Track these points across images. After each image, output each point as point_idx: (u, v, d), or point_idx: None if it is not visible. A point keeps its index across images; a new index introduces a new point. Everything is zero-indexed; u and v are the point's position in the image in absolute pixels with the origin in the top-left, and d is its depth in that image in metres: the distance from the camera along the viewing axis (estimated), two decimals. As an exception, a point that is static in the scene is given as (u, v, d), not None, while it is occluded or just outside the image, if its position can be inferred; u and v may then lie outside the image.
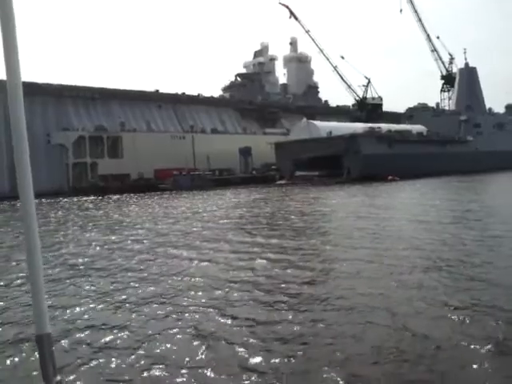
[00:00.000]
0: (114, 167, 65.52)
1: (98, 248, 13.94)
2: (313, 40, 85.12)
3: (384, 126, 71.28)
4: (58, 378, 1.28)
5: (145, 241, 14.99)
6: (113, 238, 16.38)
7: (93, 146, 65.98)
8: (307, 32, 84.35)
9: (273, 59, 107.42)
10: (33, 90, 62.57)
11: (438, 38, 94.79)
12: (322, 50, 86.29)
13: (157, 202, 38.09)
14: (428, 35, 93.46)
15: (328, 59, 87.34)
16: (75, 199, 50.51)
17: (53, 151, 64.19)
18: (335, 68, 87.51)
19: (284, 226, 17.43)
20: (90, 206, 37.77)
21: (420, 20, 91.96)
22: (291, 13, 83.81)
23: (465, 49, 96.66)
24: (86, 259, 12.01)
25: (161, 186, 59.22)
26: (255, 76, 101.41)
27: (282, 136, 79.87)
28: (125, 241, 15.17)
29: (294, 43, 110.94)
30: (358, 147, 58.97)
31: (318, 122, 69.11)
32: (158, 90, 79.28)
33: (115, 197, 50.81)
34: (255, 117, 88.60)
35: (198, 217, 22.43)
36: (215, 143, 74.03)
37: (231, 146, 73.37)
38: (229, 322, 6.43)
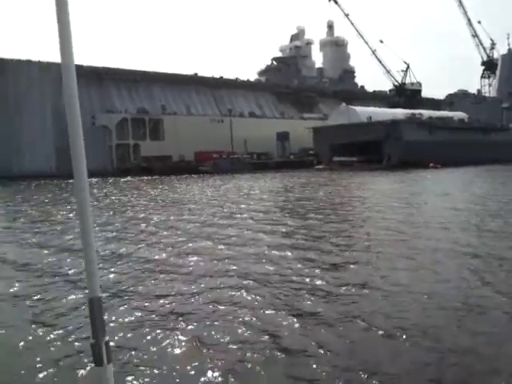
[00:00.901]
0: (155, 149, 66.98)
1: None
2: (352, 24, 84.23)
3: (425, 113, 70.41)
4: (107, 338, 1.43)
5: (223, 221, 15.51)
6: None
7: (135, 128, 67.58)
8: (346, 16, 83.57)
9: (309, 43, 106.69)
10: (78, 73, 64.05)
11: (479, 22, 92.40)
12: (360, 34, 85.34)
13: (206, 184, 38.86)
14: (469, 20, 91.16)
15: (367, 43, 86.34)
16: (123, 179, 51.91)
17: (97, 133, 66.02)
18: (374, 52, 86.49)
19: (341, 211, 17.91)
20: (141, 185, 38.87)
21: (461, 4, 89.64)
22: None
23: (508, 34, 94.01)
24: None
25: (201, 169, 60.33)
26: (291, 60, 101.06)
27: (319, 121, 79.79)
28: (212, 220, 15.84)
29: (330, 27, 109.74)
30: (399, 133, 58.52)
31: (357, 107, 68.72)
32: (196, 74, 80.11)
33: (160, 177, 52.10)
34: (292, 101, 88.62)
35: (255, 199, 23.03)
36: (253, 127, 74.54)
37: (268, 130, 73.78)
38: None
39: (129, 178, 54.58)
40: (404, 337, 5.05)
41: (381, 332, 5.21)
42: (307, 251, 9.41)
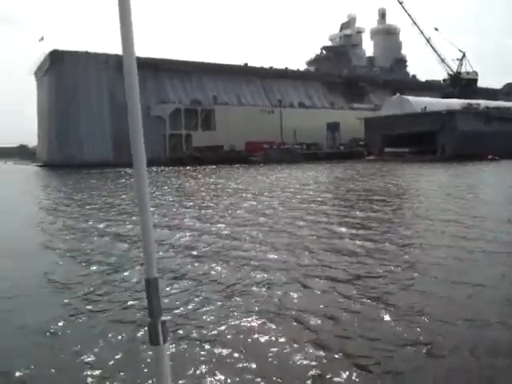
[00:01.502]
0: (206, 139, 68.32)
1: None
2: (406, 11, 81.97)
3: (481, 103, 68.05)
4: (163, 318, 1.46)
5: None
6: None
7: (187, 118, 69.16)
8: (400, 3, 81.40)
9: (360, 32, 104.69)
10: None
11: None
12: (415, 22, 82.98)
13: (262, 173, 39.16)
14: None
15: (421, 31, 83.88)
16: (181, 168, 53.13)
17: (152, 123, 68.01)
18: (428, 40, 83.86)
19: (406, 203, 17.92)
20: (196, 175, 39.83)
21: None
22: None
23: None
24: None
25: (252, 159, 61.05)
26: (341, 49, 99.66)
27: (369, 111, 78.72)
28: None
29: (383, 15, 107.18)
30: (455, 124, 56.97)
31: (410, 97, 67.25)
32: (246, 64, 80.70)
33: (212, 167, 53.13)
34: (342, 91, 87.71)
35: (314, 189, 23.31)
36: (302, 118, 74.55)
37: (318, 120, 73.53)
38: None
39: (182, 167, 55.96)
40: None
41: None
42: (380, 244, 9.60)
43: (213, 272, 7.59)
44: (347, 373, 4.12)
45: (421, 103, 64.28)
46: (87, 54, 65.77)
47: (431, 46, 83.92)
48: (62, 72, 64.62)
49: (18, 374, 4.25)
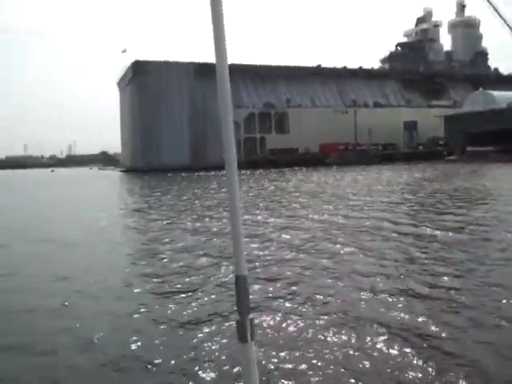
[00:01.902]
0: (280, 142, 68.95)
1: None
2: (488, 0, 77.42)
3: None
4: (251, 316, 1.46)
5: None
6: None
7: (261, 122, 70.16)
8: (483, -7, 76.97)
9: (437, 25, 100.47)
10: (209, 71, 68.26)
11: None
12: (497, 11, 77.92)
13: (342, 176, 38.72)
14: None
15: (505, 21, 78.74)
16: (258, 171, 53.88)
17: (227, 127, 69.72)
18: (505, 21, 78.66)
19: None
20: (278, 177, 40.22)
21: None
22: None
23: None
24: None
25: (327, 161, 60.68)
26: (417, 44, 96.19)
27: (448, 108, 75.40)
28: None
29: (463, 7, 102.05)
30: (546, 119, 53.23)
31: (495, 92, 63.66)
32: (320, 65, 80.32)
33: (288, 169, 53.41)
34: (419, 88, 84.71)
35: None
36: (377, 117, 72.91)
37: (394, 119, 71.65)
38: None
39: (257, 170, 56.75)
40: None
41: None
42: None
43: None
44: None
45: (506, 98, 60.72)
46: (167, 63, 68.56)
47: (509, 26, 78.73)
48: (144, 82, 67.97)
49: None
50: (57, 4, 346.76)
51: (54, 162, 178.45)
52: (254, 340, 1.45)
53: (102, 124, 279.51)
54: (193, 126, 67.60)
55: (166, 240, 11.73)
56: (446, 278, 7.31)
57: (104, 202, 26.79)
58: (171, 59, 69.56)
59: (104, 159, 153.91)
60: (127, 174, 66.82)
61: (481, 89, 66.09)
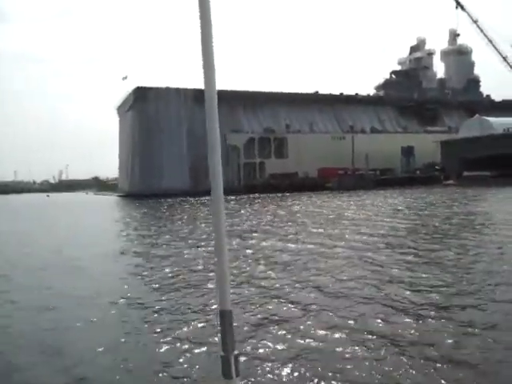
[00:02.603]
0: (279, 167, 69.54)
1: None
2: (481, 30, 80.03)
3: None
4: (236, 352, 1.42)
5: None
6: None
7: (261, 146, 70.89)
8: (475, 22, 79.64)
9: (431, 53, 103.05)
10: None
11: None
12: (490, 40, 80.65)
13: (351, 201, 38.93)
14: None
15: (497, 49, 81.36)
16: (258, 195, 54.15)
17: (227, 152, 70.38)
18: (505, 59, 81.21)
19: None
20: (287, 203, 40.37)
21: None
22: (457, 2, 79.70)
23: None
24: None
25: (327, 185, 61.14)
26: (412, 72, 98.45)
27: (443, 134, 76.80)
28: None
29: (458, 35, 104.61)
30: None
31: (491, 119, 65.00)
32: (317, 92, 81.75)
33: (288, 194, 53.72)
34: (414, 114, 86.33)
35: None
36: (375, 143, 73.90)
37: (391, 145, 72.64)
38: None
39: (256, 194, 57.08)
40: None
41: None
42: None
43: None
44: None
45: (502, 124, 62.02)
46: (168, 89, 69.46)
47: (508, 63, 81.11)
48: (144, 107, 68.72)
49: None
50: (52, 30, 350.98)
51: (46, 188, 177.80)
52: (239, 376, 1.42)
53: (92, 149, 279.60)
54: (193, 150, 67.99)
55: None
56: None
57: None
58: (171, 85, 70.59)
59: (96, 184, 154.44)
60: (126, 199, 66.74)
61: (477, 115, 67.48)
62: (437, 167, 69.49)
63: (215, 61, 1.37)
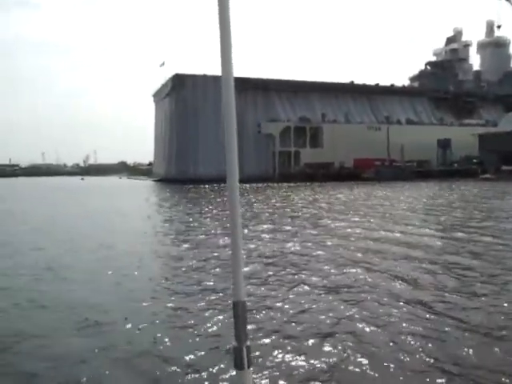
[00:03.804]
0: (314, 156, 69.72)
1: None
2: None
3: None
4: (248, 343, 1.43)
5: None
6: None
7: (296, 135, 71.14)
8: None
9: (467, 45, 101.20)
10: (245, 85, 69.90)
11: None
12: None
13: (396, 192, 38.82)
14: None
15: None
16: (295, 184, 54.39)
17: (262, 140, 70.92)
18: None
19: None
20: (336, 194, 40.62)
21: None
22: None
23: None
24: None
25: (364, 176, 61.20)
26: (447, 63, 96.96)
27: (480, 127, 75.87)
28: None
29: (499, 27, 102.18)
30: None
31: (533, 113, 64.04)
32: (353, 82, 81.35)
33: (326, 183, 53.84)
34: (450, 107, 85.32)
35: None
36: (410, 134, 73.32)
37: (427, 137, 72.04)
38: None
39: (291, 183, 57.34)
40: None
41: None
42: None
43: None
44: None
45: (545, 118, 61.04)
46: (205, 76, 69.97)
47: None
48: (182, 94, 69.54)
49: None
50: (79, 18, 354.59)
51: (77, 171, 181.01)
52: (251, 368, 1.44)
53: (118, 135, 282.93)
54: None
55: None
56: None
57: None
58: (206, 72, 71.15)
59: (125, 169, 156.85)
60: (164, 184, 67.86)
61: (518, 108, 66.47)
62: (474, 160, 68.75)
63: (234, 48, 1.38)
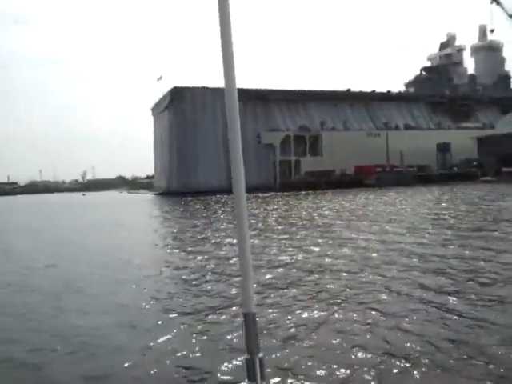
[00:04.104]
0: (314, 164, 69.99)
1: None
2: (517, 25, 79.23)
3: None
4: (261, 354, 1.41)
5: None
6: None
7: (296, 144, 71.54)
8: (510, 17, 78.85)
9: (461, 49, 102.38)
10: (245, 96, 70.43)
11: None
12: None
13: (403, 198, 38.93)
14: None
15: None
16: (297, 193, 54.59)
17: (262, 150, 71.25)
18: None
19: None
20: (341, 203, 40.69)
21: None
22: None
23: None
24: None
25: (365, 182, 61.41)
26: (442, 68, 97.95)
27: (478, 130, 76.41)
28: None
29: (492, 31, 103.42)
30: None
31: (531, 114, 64.65)
32: (349, 89, 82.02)
33: (330, 191, 53.98)
34: (447, 111, 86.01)
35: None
36: (409, 139, 73.83)
37: (425, 141, 72.51)
38: None
39: (293, 192, 57.46)
40: None
41: None
42: None
43: None
44: None
45: (543, 120, 61.58)
46: (203, 88, 70.47)
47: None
48: (181, 106, 69.94)
49: None
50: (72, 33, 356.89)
51: (76, 187, 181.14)
52: (265, 380, 1.42)
53: (115, 150, 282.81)
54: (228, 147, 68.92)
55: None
56: None
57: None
58: (203, 84, 71.63)
59: (124, 183, 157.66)
60: (166, 198, 67.95)
61: (516, 111, 67.09)
62: (474, 163, 69.14)
63: (235, 58, 1.38)
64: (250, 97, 70.82)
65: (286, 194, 54.95)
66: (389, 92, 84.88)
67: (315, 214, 24.88)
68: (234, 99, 1.42)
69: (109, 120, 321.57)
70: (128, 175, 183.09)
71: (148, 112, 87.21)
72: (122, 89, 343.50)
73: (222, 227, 20.71)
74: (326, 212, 26.34)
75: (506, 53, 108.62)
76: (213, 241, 15.94)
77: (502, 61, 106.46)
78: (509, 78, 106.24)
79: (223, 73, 1.38)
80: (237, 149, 1.42)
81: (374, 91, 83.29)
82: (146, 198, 70.80)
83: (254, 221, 22.40)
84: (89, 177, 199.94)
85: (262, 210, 31.21)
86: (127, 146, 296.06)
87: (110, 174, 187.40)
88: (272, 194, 56.63)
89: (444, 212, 22.66)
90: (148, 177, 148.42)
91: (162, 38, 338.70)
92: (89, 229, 24.22)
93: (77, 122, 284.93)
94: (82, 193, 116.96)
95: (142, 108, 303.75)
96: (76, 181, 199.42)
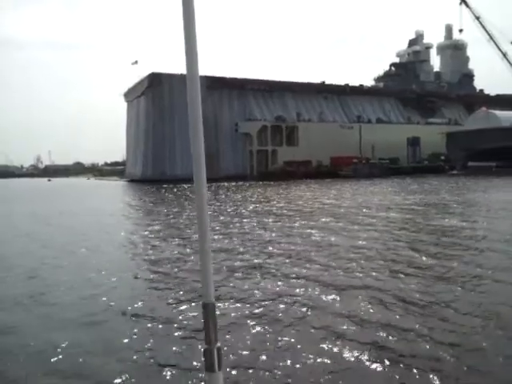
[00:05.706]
0: (290, 154, 70.96)
1: None
2: (483, 27, 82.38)
3: None
4: (218, 344, 1.42)
5: None
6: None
7: (273, 134, 72.21)
8: (477, 18, 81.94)
9: (428, 47, 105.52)
10: (221, 84, 70.41)
11: None
12: (491, 37, 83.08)
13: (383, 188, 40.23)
14: None
15: (498, 46, 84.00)
16: (274, 182, 55.02)
17: (239, 139, 71.57)
18: (505, 55, 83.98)
19: None
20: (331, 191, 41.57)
21: None
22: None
23: None
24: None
25: (341, 173, 62.97)
26: (410, 65, 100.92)
27: (444, 126, 79.54)
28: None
29: (461, 30, 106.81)
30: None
31: (498, 112, 67.84)
32: (324, 82, 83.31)
33: (308, 181, 55.01)
34: (415, 106, 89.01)
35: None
36: (381, 133, 75.88)
37: (396, 135, 74.77)
38: None
39: (270, 181, 58.16)
40: None
41: None
42: None
43: None
44: None
45: (509, 117, 64.77)
46: (182, 76, 69.34)
47: (508, 60, 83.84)
48: (158, 93, 69.07)
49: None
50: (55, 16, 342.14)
51: (36, 172, 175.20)
52: (221, 369, 1.42)
53: (70, 135, 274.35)
54: (205, 137, 68.82)
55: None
56: None
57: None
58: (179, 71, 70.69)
59: (83, 170, 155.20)
60: (142, 185, 67.08)
61: (483, 108, 70.19)
62: (442, 157, 72.07)
63: (198, 45, 1.38)
64: (227, 85, 70.96)
65: (263, 183, 55.48)
66: (361, 86, 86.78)
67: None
68: (195, 87, 1.40)
69: (65, 104, 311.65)
70: (85, 162, 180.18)
71: (112, 97, 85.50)
72: (81, 72, 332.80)
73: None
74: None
75: (470, 52, 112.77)
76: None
77: (466, 60, 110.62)
78: (472, 76, 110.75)
79: (185, 59, 1.37)
80: (198, 139, 1.42)
81: (347, 85, 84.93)
82: (122, 185, 69.73)
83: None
84: (47, 162, 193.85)
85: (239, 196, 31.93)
86: (84, 131, 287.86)
87: (66, 160, 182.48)
88: (248, 184, 56.92)
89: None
90: (113, 163, 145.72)
91: (134, 21, 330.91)
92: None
93: (33, 105, 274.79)
94: (47, 178, 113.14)
95: (106, 93, 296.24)
96: (34, 166, 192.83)
